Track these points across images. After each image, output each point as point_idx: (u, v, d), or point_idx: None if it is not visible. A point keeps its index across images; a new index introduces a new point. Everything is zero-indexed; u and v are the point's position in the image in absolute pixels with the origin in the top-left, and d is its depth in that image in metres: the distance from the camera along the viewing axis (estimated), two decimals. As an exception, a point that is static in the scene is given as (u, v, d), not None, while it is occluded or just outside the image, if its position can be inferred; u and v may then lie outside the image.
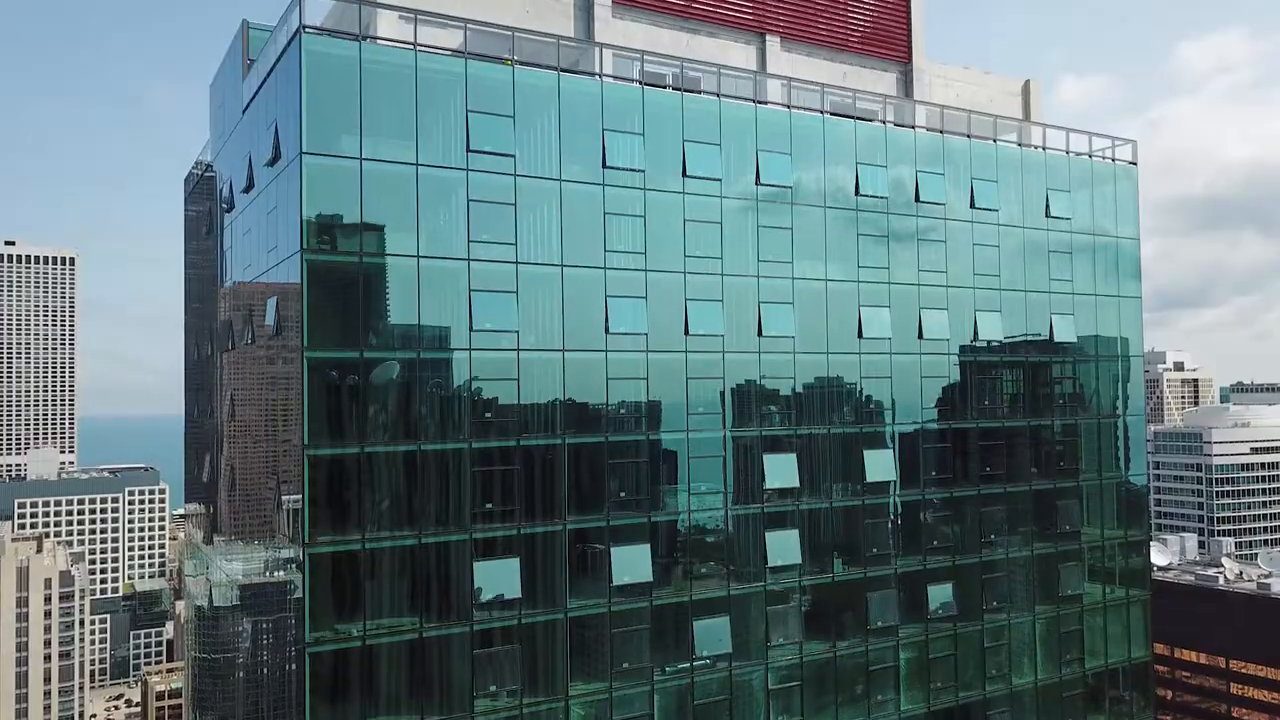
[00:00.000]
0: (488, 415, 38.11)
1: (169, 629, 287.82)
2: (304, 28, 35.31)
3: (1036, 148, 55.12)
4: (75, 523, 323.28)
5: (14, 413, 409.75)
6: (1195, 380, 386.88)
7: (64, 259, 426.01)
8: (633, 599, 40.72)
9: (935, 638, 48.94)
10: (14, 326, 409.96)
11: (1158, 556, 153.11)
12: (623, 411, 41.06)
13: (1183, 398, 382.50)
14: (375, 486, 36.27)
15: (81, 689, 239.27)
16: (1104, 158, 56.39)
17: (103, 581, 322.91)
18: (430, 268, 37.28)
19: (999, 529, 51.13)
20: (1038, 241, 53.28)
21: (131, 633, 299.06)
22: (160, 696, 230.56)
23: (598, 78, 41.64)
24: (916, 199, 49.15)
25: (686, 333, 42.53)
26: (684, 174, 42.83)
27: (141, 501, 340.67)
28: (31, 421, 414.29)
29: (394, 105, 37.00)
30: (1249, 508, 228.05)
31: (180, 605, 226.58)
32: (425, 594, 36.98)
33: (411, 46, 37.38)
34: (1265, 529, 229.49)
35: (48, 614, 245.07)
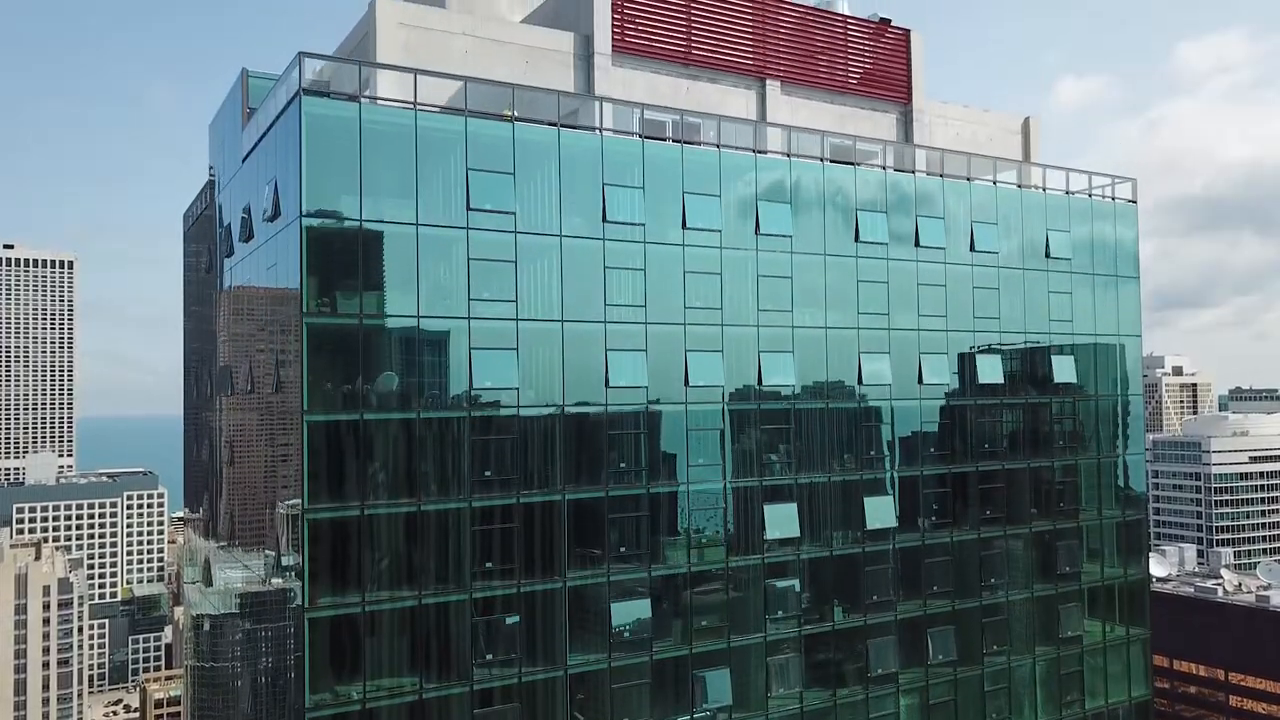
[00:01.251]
0: (487, 473, 38.05)
1: (167, 633, 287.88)
2: (304, 90, 35.22)
3: (1036, 188, 55.09)
4: (74, 527, 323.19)
5: (12, 416, 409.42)
6: (1194, 385, 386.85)
7: (63, 262, 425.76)
8: (633, 653, 40.69)
9: (935, 683, 48.91)
10: (13, 329, 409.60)
11: (1157, 568, 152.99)
12: (623, 465, 41.02)
13: (1181, 403, 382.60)
14: (375, 546, 36.22)
15: (80, 696, 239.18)
16: (1104, 196, 56.36)
17: (101, 586, 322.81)
18: (431, 327, 37.24)
19: (999, 572, 51.12)
20: (1037, 283, 53.26)
21: (130, 637, 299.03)
22: (159, 705, 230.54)
23: (597, 132, 41.55)
24: (916, 244, 49.10)
25: (686, 384, 42.49)
26: (684, 226, 42.80)
27: (140, 506, 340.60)
28: (30, 425, 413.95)
29: (394, 164, 36.95)
30: (1248, 516, 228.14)
31: (179, 611, 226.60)
32: (425, 654, 36.95)
33: (411, 106, 37.30)
34: (1264, 537, 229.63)
35: (46, 621, 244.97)
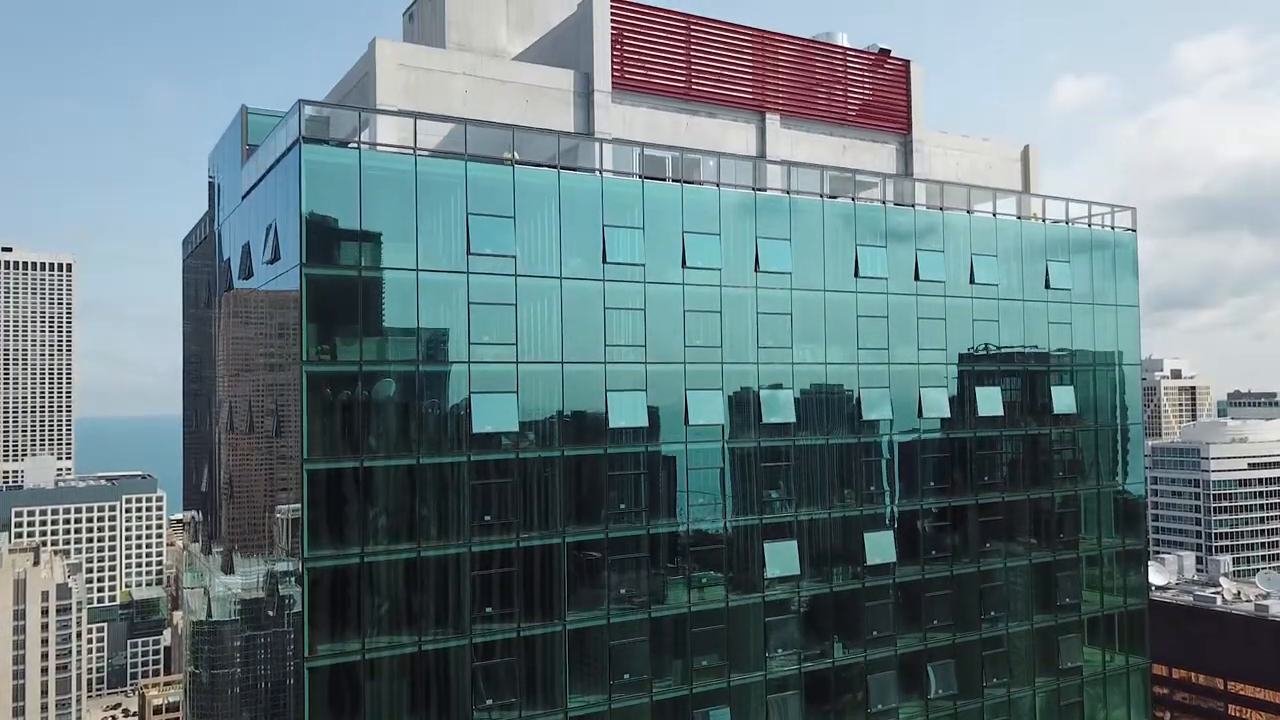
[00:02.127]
0: (487, 517, 38.04)
1: (166, 636, 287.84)
2: (303, 138, 35.18)
3: (1035, 217, 55.14)
4: (72, 531, 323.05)
5: (11, 419, 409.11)
6: (1193, 388, 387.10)
7: (61, 265, 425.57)
8: (634, 694, 40.69)
9: (936, 717, 48.91)
10: (11, 333, 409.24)
11: (1156, 576, 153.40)
12: (622, 506, 41.00)
13: (1180, 405, 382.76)
14: (375, 591, 36.21)
15: (79, 701, 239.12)
16: (1103, 225, 56.36)
17: (100, 590, 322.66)
18: (431, 373, 37.22)
19: (999, 604, 51.14)
20: (1037, 314, 53.26)
21: (129, 641, 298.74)
22: (158, 711, 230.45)
23: (597, 173, 41.53)
24: (916, 277, 49.08)
25: (686, 423, 42.47)
26: (684, 265, 42.77)
27: (139, 509, 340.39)
28: (29, 428, 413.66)
29: (394, 209, 36.93)
30: (1246, 523, 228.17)
31: (178, 615, 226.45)
32: (425, 699, 36.95)
33: (411, 151, 37.27)
34: (1263, 544, 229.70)
35: (45, 627, 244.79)
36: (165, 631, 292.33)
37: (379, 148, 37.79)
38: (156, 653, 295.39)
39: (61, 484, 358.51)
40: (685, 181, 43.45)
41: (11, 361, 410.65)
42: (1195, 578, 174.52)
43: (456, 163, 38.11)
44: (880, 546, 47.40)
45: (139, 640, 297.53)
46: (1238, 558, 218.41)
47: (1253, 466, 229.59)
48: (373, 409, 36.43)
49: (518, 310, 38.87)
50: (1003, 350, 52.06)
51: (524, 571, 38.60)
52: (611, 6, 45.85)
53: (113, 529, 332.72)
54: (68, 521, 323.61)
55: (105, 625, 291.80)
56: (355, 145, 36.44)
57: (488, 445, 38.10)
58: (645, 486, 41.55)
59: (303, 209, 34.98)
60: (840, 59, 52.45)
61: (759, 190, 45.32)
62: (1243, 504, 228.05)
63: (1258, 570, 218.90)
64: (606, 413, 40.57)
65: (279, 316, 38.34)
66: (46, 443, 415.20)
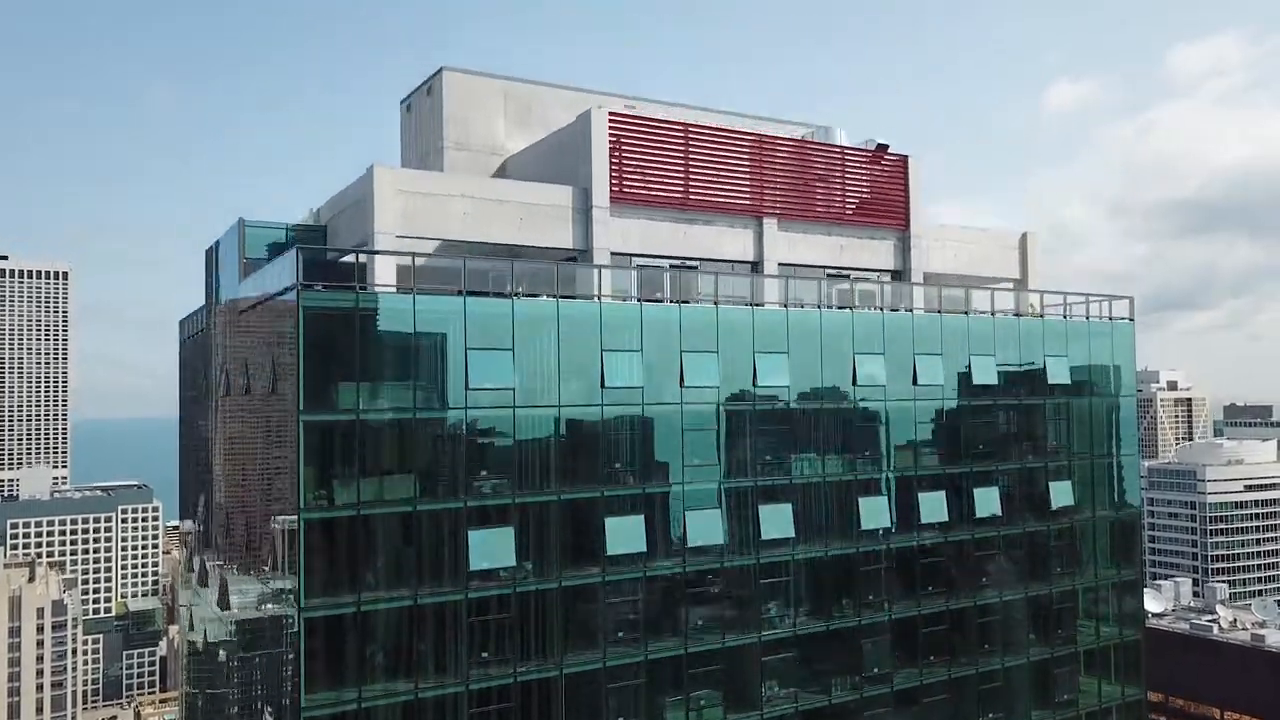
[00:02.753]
0: (485, 654, 37.99)
1: (162, 647, 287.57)
2: (302, 284, 35.12)
3: (1034, 308, 55.23)
4: (68, 543, 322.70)
5: (7, 427, 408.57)
6: (1189, 399, 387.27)
7: (57, 273, 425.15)
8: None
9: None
10: (7, 340, 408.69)
11: (1152, 603, 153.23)
12: (620, 635, 40.96)
13: (1176, 418, 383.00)
14: (373, 732, 36.23)
15: (74, 717, 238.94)
16: (1100, 317, 56.33)
17: (95, 601, 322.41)
18: (428, 513, 37.17)
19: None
20: (1034, 410, 53.30)
21: (124, 653, 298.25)
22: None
23: (596, 299, 41.49)
24: (914, 383, 49.05)
25: (685, 546, 42.44)
26: (681, 384, 42.70)
27: (134, 520, 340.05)
28: (24, 436, 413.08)
29: (392, 351, 37.01)
30: (1242, 545, 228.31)
31: (174, 630, 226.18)
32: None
33: (410, 290, 37.23)
34: (1260, 565, 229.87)
35: (40, 644, 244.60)
36: (161, 642, 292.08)
37: (378, 287, 37.72)
38: (152, 664, 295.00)
39: (57, 494, 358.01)
40: (682, 301, 43.35)
41: (8, 369, 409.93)
42: (1191, 604, 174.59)
43: (455, 300, 38.00)
44: (879, 654, 47.43)
45: (134, 652, 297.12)
46: (1234, 580, 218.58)
47: (1249, 489, 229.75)
48: (371, 550, 36.34)
49: (516, 445, 38.84)
50: (1000, 448, 51.98)
51: (521, 712, 38.57)
52: (610, 119, 45.82)
53: (108, 540, 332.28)
54: (63, 533, 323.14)
55: (100, 637, 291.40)
56: (354, 287, 36.32)
57: (486, 580, 38.04)
58: (641, 613, 41.45)
59: (301, 358, 34.87)
60: (838, 158, 52.46)
61: (756, 305, 45.17)
62: (1239, 526, 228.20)
63: (1255, 592, 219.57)
64: (605, 540, 40.49)
65: (276, 452, 38.28)
66: (43, 451, 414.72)
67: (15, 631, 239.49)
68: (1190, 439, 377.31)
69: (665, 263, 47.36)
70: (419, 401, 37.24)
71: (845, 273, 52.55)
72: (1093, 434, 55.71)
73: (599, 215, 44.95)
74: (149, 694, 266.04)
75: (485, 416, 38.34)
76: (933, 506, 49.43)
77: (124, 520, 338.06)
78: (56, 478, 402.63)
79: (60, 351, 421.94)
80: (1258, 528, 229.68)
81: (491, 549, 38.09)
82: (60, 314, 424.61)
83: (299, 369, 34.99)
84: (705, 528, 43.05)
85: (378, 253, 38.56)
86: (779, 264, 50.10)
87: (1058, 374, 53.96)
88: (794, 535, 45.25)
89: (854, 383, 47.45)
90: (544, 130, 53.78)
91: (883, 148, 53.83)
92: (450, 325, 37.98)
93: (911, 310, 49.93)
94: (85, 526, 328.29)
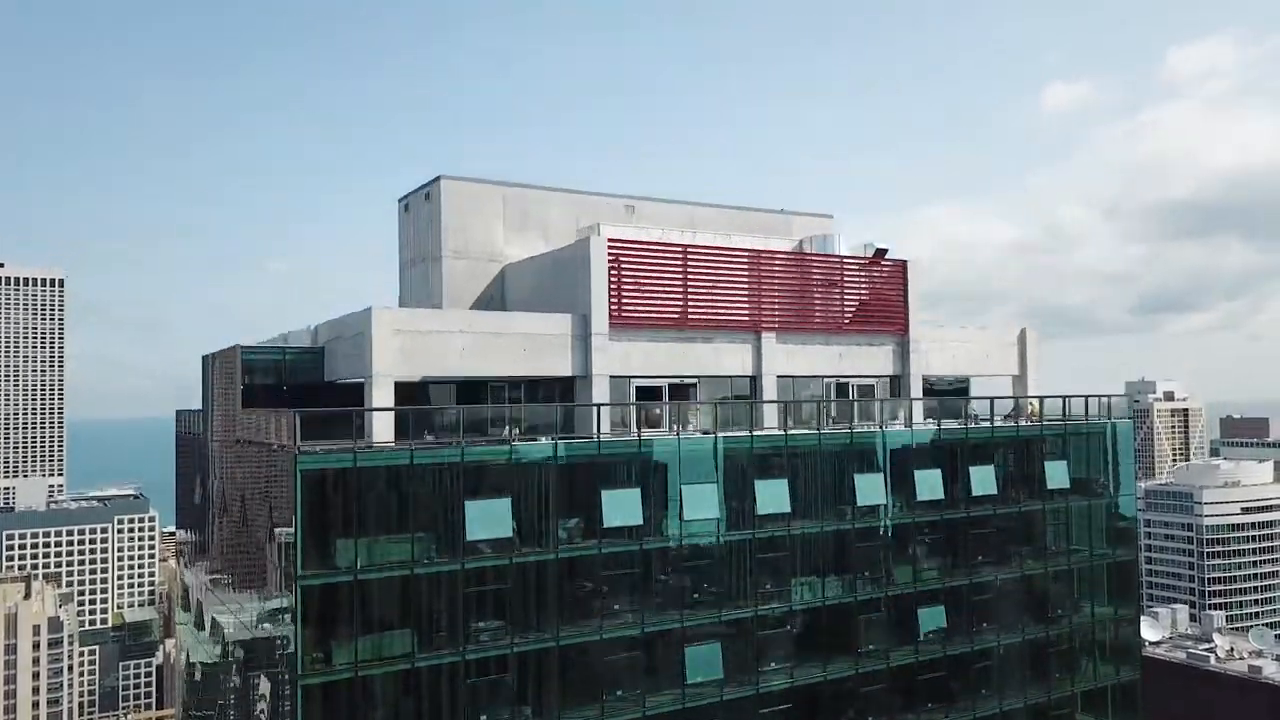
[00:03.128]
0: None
1: (159, 655, 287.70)
2: (300, 450, 34.97)
3: (1032, 412, 55.19)
4: (64, 554, 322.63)
5: (2, 435, 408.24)
6: (1185, 410, 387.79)
7: (52, 280, 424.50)
8: None
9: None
10: (1, 348, 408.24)
11: (1149, 631, 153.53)
12: (626, 779, 40.90)
13: (1173, 428, 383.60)
14: None
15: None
16: (1098, 417, 56.25)
17: (91, 612, 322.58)
18: (427, 668, 37.05)
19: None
20: (1034, 518, 53.22)
21: (120, 664, 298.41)
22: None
23: (594, 438, 41.37)
24: (913, 498, 48.96)
25: (684, 682, 42.34)
26: (681, 518, 42.59)
27: (130, 530, 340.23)
28: (20, 443, 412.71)
29: (390, 505, 36.83)
30: (1240, 568, 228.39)
31: (170, 643, 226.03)
32: None
33: (407, 446, 37.09)
34: (1256, 588, 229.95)
35: (36, 661, 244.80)
36: (157, 652, 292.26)
37: (375, 445, 37.60)
38: (149, 674, 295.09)
39: (54, 504, 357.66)
40: (682, 436, 43.22)
41: (2, 377, 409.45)
42: (1188, 631, 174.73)
43: (454, 450, 37.87)
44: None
45: (130, 663, 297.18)
46: (1230, 602, 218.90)
47: (1245, 511, 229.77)
48: (369, 710, 36.22)
49: (512, 594, 38.71)
50: (999, 558, 51.90)
51: None
52: (609, 244, 45.69)
53: (104, 551, 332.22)
54: (59, 545, 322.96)
55: (97, 648, 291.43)
56: (351, 450, 36.14)
57: (485, 731, 37.97)
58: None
59: (300, 523, 34.74)
60: (836, 268, 52.31)
61: (755, 435, 45.03)
62: (1236, 549, 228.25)
63: (1252, 615, 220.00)
64: (605, 683, 40.39)
65: (273, 608, 38.16)
66: (39, 459, 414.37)
67: (11, 649, 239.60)
68: (1187, 448, 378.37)
69: (664, 382, 47.24)
70: (418, 554, 37.08)
71: (845, 380, 52.45)
72: (1091, 534, 55.57)
73: (598, 342, 44.81)
74: (144, 714, 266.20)
75: (482, 567, 38.20)
76: (933, 618, 49.39)
77: (120, 531, 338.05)
78: (53, 486, 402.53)
79: (56, 358, 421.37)
80: (1255, 550, 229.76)
81: (489, 712, 38.03)
82: (56, 321, 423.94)
83: (297, 531, 34.86)
84: (705, 663, 42.92)
85: (376, 409, 38.41)
86: (778, 376, 50.00)
87: (1056, 478, 53.86)
88: (791, 663, 45.20)
89: (853, 503, 47.29)
90: (542, 233, 53.75)
91: (880, 252, 53.68)
92: (449, 481, 37.88)
93: (911, 426, 49.76)
94: (82, 538, 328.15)
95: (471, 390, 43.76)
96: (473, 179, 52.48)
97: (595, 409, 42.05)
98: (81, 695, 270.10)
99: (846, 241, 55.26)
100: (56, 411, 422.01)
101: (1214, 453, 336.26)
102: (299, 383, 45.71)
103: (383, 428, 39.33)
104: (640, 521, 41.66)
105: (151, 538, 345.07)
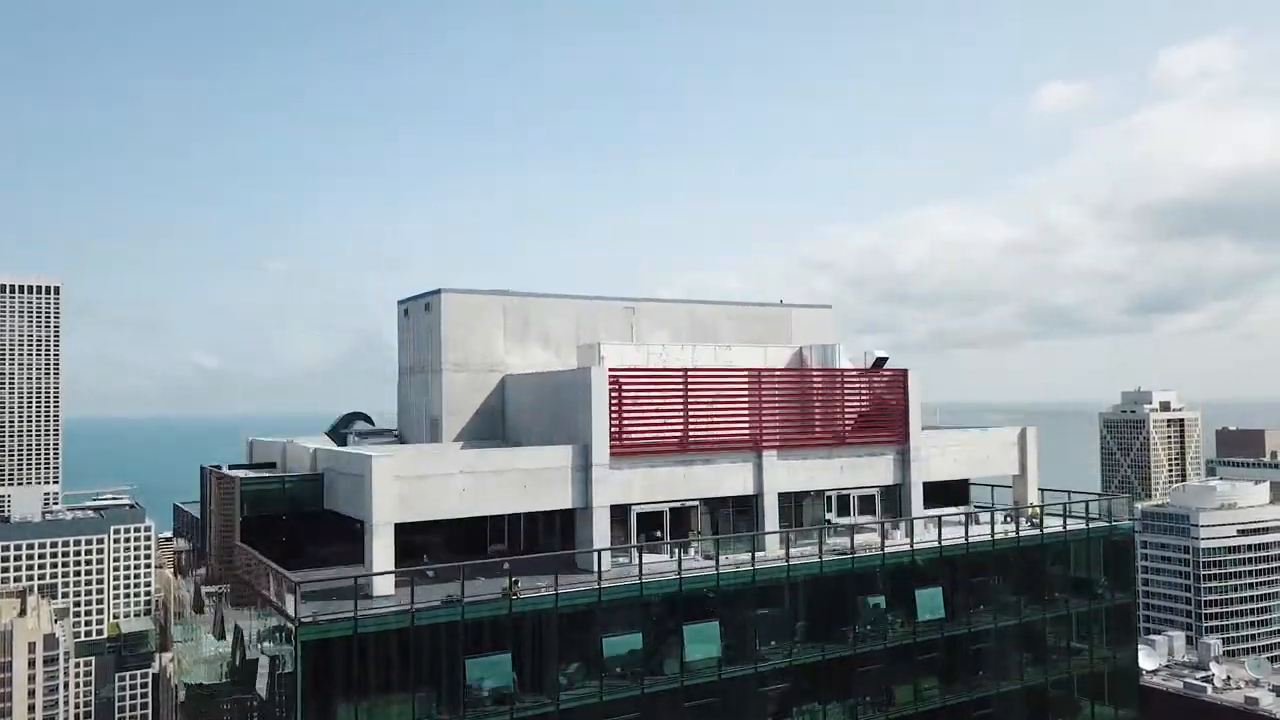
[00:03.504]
0: None
1: (155, 665, 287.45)
2: (300, 622, 34.78)
3: (1034, 514, 55.13)
4: (59, 564, 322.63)
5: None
6: (1181, 420, 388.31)
7: (48, 288, 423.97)
8: None
9: None
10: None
11: (1146, 660, 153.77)
12: None
13: (1169, 438, 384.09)
14: None
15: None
16: (1096, 519, 56.13)
17: (87, 623, 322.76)
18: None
19: None
20: (1036, 629, 53.13)
21: (116, 675, 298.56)
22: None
23: (595, 584, 41.15)
24: (914, 617, 48.81)
25: (685, 827, 42.17)
26: (682, 659, 42.40)
27: (126, 540, 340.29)
28: (15, 450, 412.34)
29: (391, 664, 36.66)
30: (1236, 590, 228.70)
31: (165, 656, 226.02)
32: None
33: (408, 609, 36.90)
34: (1253, 610, 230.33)
35: (31, 678, 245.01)
36: (153, 662, 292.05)
37: (375, 598, 37.47)
38: (144, 685, 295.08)
39: (49, 513, 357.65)
40: (683, 578, 43.02)
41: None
42: (1185, 659, 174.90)
43: (453, 609, 37.69)
44: None
45: (126, 674, 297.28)
46: (1226, 625, 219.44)
47: (1242, 533, 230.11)
48: None
49: (516, 742, 38.59)
50: (1001, 672, 51.80)
51: None
52: (609, 373, 45.49)
53: (100, 562, 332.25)
54: (55, 556, 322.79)
55: (93, 660, 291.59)
56: (353, 615, 35.96)
57: None
58: None
59: (301, 694, 34.56)
60: (837, 382, 52.12)
61: (757, 570, 44.86)
62: (1233, 571, 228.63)
63: (1249, 636, 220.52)
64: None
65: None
66: (35, 465, 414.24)
67: (6, 666, 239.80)
68: (1183, 459, 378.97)
69: (665, 506, 47.08)
70: (419, 713, 36.91)
71: (845, 492, 52.32)
72: (1092, 639, 55.50)
73: (599, 473, 44.61)
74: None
75: (486, 718, 38.08)
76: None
77: (116, 540, 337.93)
78: (48, 494, 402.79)
79: (52, 365, 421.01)
80: (1251, 573, 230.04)
81: None
82: (51, 328, 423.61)
83: (298, 702, 34.70)
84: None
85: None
86: (779, 493, 49.87)
87: (1060, 586, 53.79)
88: (794, 794, 45.12)
89: (854, 627, 47.16)
90: (543, 342, 53.61)
91: (880, 361, 53.53)
92: (449, 639, 37.70)
93: (912, 546, 49.59)
94: (77, 549, 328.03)
95: (471, 525, 43.61)
96: (473, 291, 52.27)
97: (596, 553, 41.85)
98: (77, 708, 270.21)
99: (846, 346, 55.31)
100: (52, 418, 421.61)
101: (1210, 472, 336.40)
102: (298, 511, 45.57)
103: (382, 560, 39.47)
104: (640, 665, 41.49)
105: (147, 547, 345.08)
